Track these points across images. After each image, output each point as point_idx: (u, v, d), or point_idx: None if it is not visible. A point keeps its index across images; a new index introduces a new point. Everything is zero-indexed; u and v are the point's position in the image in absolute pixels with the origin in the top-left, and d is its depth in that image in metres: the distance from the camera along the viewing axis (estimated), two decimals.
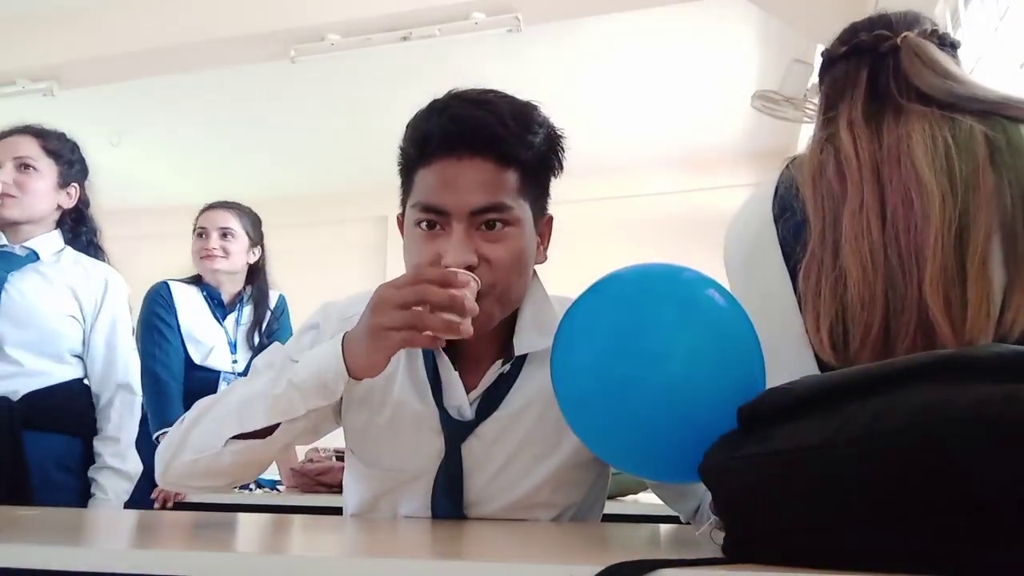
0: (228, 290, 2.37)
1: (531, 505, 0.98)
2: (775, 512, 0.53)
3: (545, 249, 1.02)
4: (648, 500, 1.90)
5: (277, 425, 0.88)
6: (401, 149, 0.96)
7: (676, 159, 5.16)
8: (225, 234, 2.35)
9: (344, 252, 5.65)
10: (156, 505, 2.02)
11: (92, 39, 3.56)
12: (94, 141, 4.22)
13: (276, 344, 1.06)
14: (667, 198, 5.26)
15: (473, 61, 3.64)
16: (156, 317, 2.25)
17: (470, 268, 0.88)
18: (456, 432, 0.96)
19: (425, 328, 0.81)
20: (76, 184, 1.86)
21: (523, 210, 0.93)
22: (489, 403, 0.97)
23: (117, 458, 1.76)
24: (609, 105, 4.53)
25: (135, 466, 1.80)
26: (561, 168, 0.99)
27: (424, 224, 0.92)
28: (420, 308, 0.81)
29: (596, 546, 0.73)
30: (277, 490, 2.31)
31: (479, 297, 0.88)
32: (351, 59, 3.50)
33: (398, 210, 1.01)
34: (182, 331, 2.26)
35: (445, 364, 0.98)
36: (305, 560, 0.60)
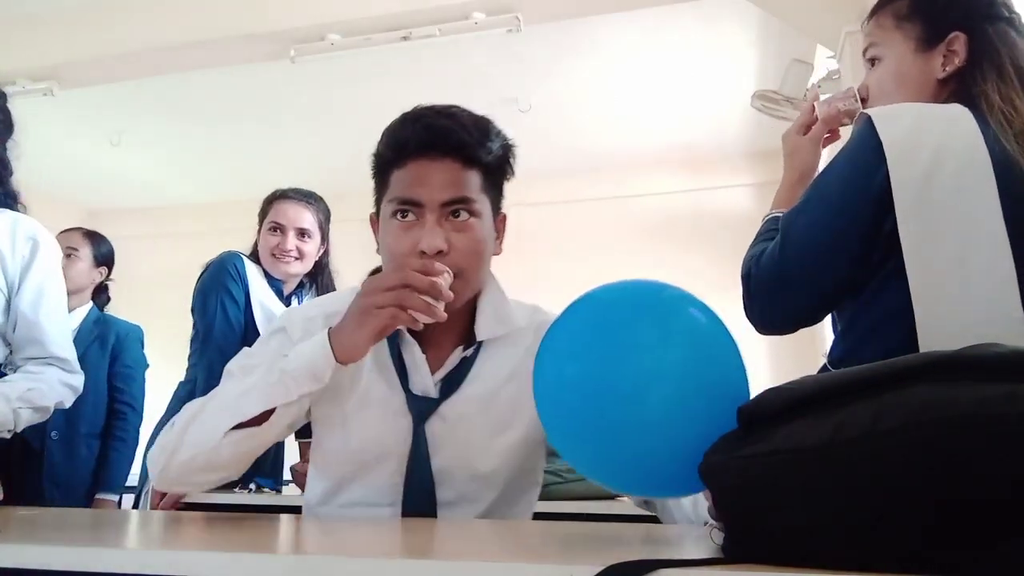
0: (291, 284, 2.27)
1: (485, 477, 1.06)
2: (775, 512, 0.53)
3: (500, 243, 1.14)
4: None
5: (274, 411, 0.98)
6: (377, 154, 1.08)
7: (676, 159, 5.17)
8: (302, 233, 2.21)
9: (343, 252, 5.66)
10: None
11: (92, 39, 3.56)
12: (94, 141, 4.25)
13: (245, 349, 1.14)
14: (667, 198, 5.26)
15: (473, 61, 3.63)
16: (223, 288, 2.06)
17: (440, 253, 1.00)
18: (421, 411, 1.06)
19: (409, 307, 0.93)
20: None
21: (484, 205, 1.07)
22: (451, 384, 1.08)
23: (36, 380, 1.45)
24: (608, 105, 4.53)
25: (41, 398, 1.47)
26: (513, 173, 1.13)
27: (400, 215, 1.04)
28: (405, 290, 0.93)
29: (596, 546, 0.73)
30: (277, 490, 2.31)
31: None
32: (351, 59, 3.50)
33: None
34: (254, 310, 2.09)
35: (410, 348, 1.08)
36: (305, 560, 0.60)
